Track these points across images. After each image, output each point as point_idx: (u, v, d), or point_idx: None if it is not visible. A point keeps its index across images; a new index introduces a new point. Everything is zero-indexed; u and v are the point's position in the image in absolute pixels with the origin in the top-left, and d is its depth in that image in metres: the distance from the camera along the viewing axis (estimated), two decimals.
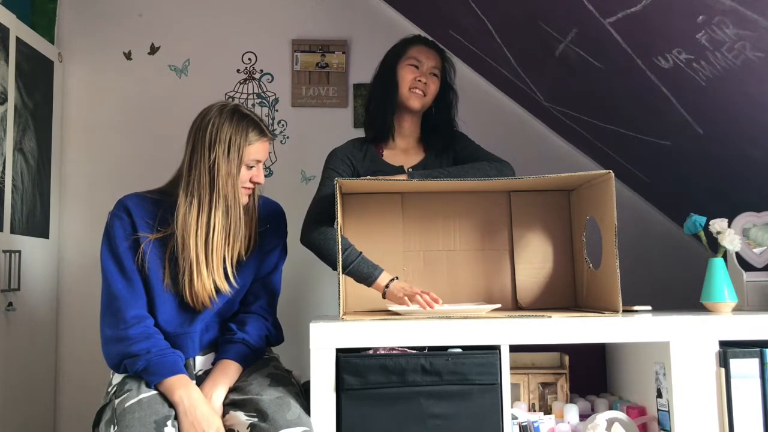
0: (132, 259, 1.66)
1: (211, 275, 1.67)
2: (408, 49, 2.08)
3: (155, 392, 1.57)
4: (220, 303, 1.72)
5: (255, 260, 1.79)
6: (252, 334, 1.73)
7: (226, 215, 1.68)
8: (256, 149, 1.71)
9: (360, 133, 2.17)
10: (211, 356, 1.75)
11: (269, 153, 2.69)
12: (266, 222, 1.82)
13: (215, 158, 1.66)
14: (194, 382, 1.63)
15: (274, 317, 1.83)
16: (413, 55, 2.06)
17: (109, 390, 1.65)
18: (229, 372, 1.66)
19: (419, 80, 2.03)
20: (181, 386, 1.57)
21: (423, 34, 2.26)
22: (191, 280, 1.65)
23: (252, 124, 1.71)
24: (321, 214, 1.90)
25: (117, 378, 1.66)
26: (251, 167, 1.72)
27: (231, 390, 1.64)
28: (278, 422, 1.49)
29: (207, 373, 1.69)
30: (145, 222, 1.69)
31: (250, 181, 1.73)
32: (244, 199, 1.73)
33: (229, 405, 1.60)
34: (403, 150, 2.10)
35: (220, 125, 1.68)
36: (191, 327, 1.71)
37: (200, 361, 1.75)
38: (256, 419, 1.52)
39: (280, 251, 1.85)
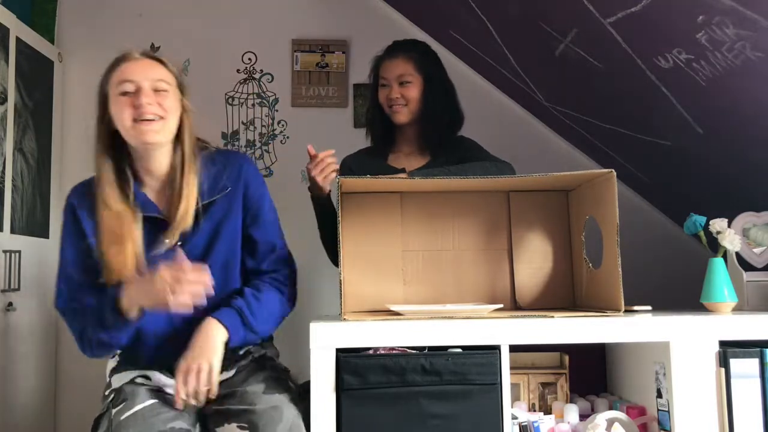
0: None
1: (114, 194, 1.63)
2: (378, 70, 2.09)
3: (153, 401, 1.55)
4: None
5: (210, 224, 1.66)
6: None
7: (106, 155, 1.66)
8: (120, 75, 1.65)
9: (360, 133, 2.17)
10: None
11: (269, 153, 2.72)
12: (224, 180, 1.67)
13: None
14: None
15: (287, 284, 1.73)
16: (380, 74, 2.07)
17: (106, 393, 1.63)
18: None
19: (391, 98, 2.03)
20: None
21: (422, 33, 2.22)
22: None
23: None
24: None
25: (114, 382, 1.64)
26: (126, 93, 1.62)
27: (226, 396, 1.59)
28: None
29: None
30: None
31: (135, 110, 1.61)
32: (145, 136, 1.61)
33: (223, 416, 1.57)
34: (407, 155, 2.13)
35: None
36: (180, 333, 1.59)
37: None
38: (247, 431, 1.50)
39: (258, 201, 1.70)
